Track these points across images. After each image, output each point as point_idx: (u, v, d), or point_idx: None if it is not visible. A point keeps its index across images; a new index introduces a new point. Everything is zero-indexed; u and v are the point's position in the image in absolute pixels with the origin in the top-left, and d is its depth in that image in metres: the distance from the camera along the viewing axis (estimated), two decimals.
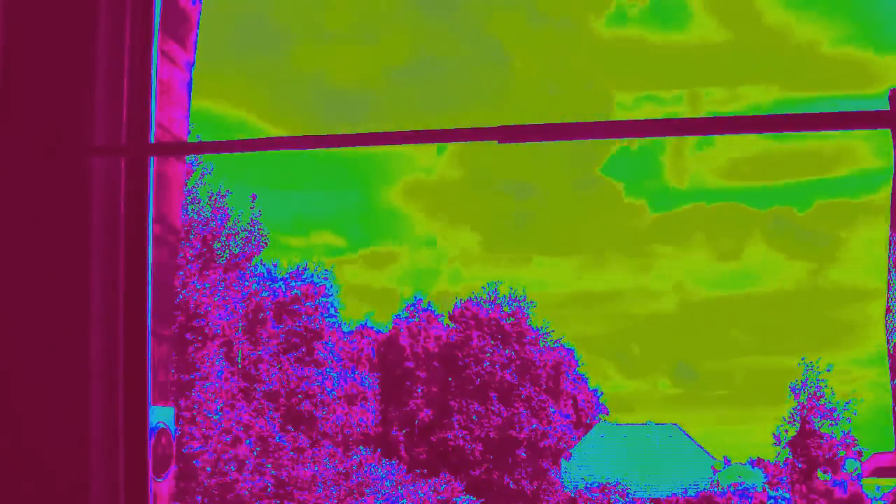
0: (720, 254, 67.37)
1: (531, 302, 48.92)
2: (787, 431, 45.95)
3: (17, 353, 2.67)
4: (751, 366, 70.38)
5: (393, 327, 49.37)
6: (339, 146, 2.63)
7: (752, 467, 49.48)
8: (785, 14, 59.75)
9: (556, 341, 49.65)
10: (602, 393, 59.12)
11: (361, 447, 39.71)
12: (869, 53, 58.79)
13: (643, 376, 74.62)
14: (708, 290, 67.36)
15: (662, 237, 67.48)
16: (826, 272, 64.45)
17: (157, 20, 2.79)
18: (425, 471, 43.91)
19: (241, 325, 36.04)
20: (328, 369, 39.96)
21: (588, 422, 55.52)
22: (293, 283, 40.63)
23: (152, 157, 2.76)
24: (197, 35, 3.06)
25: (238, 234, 34.02)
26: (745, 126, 2.43)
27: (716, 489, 46.74)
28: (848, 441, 45.12)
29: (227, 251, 33.21)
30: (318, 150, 2.69)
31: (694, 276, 67.45)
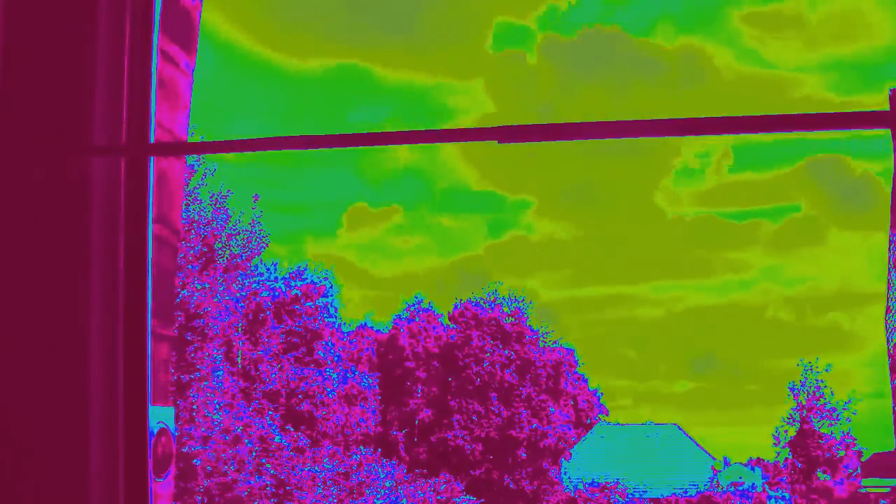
0: (715, 262, 67.86)
1: (530, 302, 49.00)
2: (787, 431, 45.98)
3: (16, 353, 2.67)
4: (752, 367, 70.42)
5: (393, 327, 49.38)
6: (339, 146, 2.63)
7: (752, 467, 49.47)
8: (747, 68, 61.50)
9: (555, 341, 49.68)
10: (602, 393, 59.14)
11: (361, 447, 39.71)
12: (831, 96, 60.06)
13: (645, 377, 74.71)
14: (708, 295, 67.55)
15: (656, 245, 67.84)
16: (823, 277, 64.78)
17: (157, 20, 2.79)
18: (425, 471, 43.90)
19: (241, 325, 36.04)
20: (328, 369, 39.96)
21: (588, 422, 55.52)
22: (293, 284, 40.64)
23: (152, 157, 2.75)
24: (198, 35, 3.06)
25: (238, 234, 34.02)
26: (745, 126, 2.43)
27: (716, 489, 46.73)
28: (848, 441, 45.14)
29: (228, 251, 33.22)
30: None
31: (693, 281, 67.75)
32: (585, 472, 47.52)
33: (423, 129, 2.70)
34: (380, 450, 42.02)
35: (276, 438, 34.13)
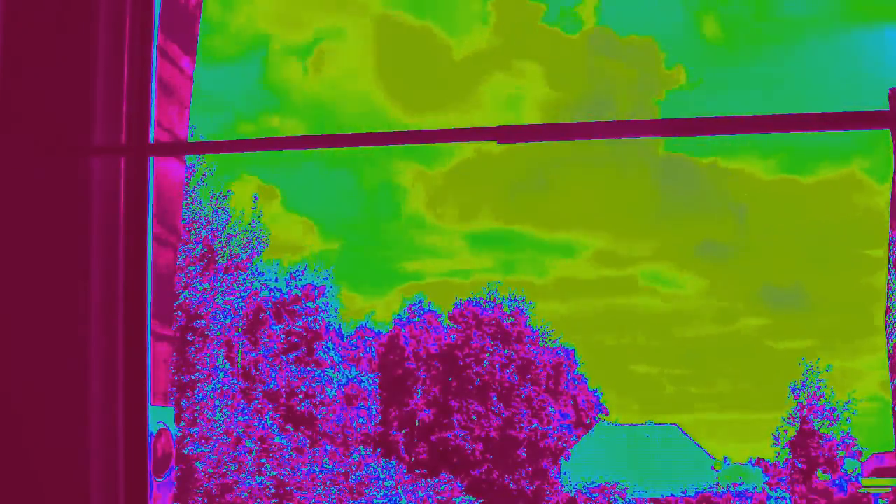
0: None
1: (530, 302, 49.00)
2: (786, 431, 45.96)
3: (16, 353, 2.67)
4: (752, 367, 70.45)
5: (394, 327, 49.37)
6: (339, 146, 2.63)
7: (752, 467, 49.46)
8: None
9: (555, 340, 49.68)
10: (602, 393, 59.18)
11: (361, 447, 39.70)
12: None
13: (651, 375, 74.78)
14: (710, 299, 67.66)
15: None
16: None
17: (157, 20, 2.79)
18: (425, 471, 43.90)
19: (241, 325, 36.03)
20: (328, 369, 39.96)
21: (588, 422, 55.52)
22: (293, 284, 40.65)
23: (152, 157, 2.75)
24: (198, 35, 3.06)
25: (238, 235, 34.03)
26: (745, 126, 2.42)
27: (715, 489, 46.72)
28: (848, 441, 45.12)
29: (228, 252, 33.22)
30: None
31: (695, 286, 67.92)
32: (585, 472, 47.50)
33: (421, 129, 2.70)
34: (380, 450, 42.02)
35: (276, 438, 34.14)
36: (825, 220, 65.07)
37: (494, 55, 61.74)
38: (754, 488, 46.56)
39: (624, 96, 62.21)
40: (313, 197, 68.26)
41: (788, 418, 45.96)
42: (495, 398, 46.82)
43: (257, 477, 32.17)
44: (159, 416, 2.74)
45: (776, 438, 46.29)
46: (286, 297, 40.20)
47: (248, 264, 35.24)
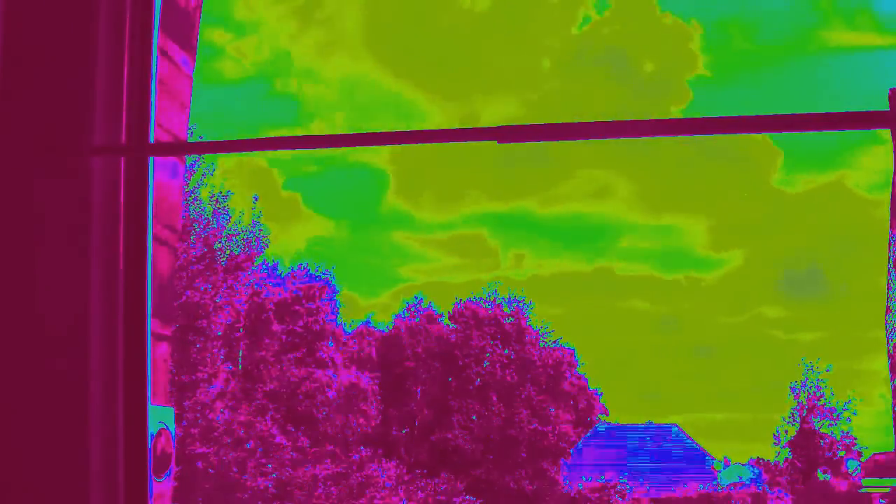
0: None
1: (530, 302, 49.02)
2: (786, 431, 45.99)
3: (16, 353, 2.67)
4: (751, 366, 70.37)
5: (394, 327, 49.36)
6: (339, 146, 2.63)
7: (752, 467, 49.46)
8: None
9: (555, 341, 49.70)
10: (602, 393, 59.16)
11: (361, 447, 39.71)
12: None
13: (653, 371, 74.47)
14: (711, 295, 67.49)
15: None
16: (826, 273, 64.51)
17: (157, 20, 2.79)
18: (425, 471, 43.89)
19: (242, 325, 36.06)
20: (329, 370, 39.99)
21: (588, 422, 55.51)
22: (294, 283, 40.67)
23: (152, 157, 2.75)
24: (198, 35, 3.06)
25: (239, 234, 34.06)
26: (745, 126, 2.42)
27: (716, 489, 46.73)
28: (848, 441, 45.14)
29: (228, 251, 33.25)
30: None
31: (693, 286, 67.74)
32: (585, 472, 47.53)
33: (420, 129, 2.70)
34: (380, 450, 42.01)
35: (277, 439, 34.15)
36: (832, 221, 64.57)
37: (505, 17, 60.07)
38: (754, 488, 46.56)
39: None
40: (305, 184, 67.23)
41: (788, 418, 46.01)
42: (495, 398, 46.84)
43: (258, 478, 32.18)
44: (159, 416, 2.74)
45: (776, 438, 46.35)
46: (287, 297, 40.21)
47: (249, 264, 35.27)
